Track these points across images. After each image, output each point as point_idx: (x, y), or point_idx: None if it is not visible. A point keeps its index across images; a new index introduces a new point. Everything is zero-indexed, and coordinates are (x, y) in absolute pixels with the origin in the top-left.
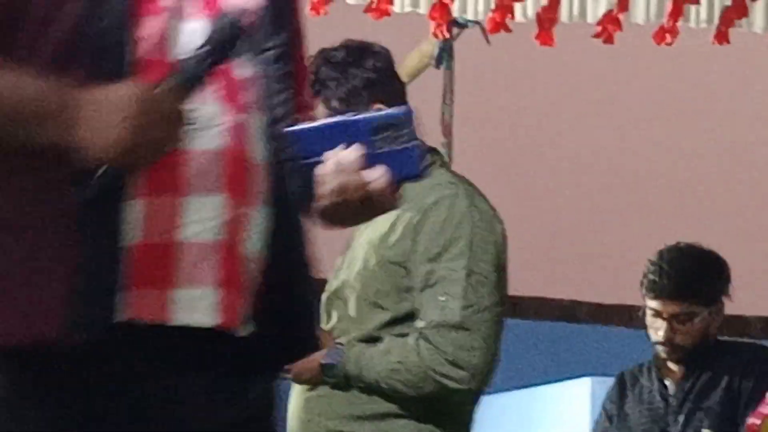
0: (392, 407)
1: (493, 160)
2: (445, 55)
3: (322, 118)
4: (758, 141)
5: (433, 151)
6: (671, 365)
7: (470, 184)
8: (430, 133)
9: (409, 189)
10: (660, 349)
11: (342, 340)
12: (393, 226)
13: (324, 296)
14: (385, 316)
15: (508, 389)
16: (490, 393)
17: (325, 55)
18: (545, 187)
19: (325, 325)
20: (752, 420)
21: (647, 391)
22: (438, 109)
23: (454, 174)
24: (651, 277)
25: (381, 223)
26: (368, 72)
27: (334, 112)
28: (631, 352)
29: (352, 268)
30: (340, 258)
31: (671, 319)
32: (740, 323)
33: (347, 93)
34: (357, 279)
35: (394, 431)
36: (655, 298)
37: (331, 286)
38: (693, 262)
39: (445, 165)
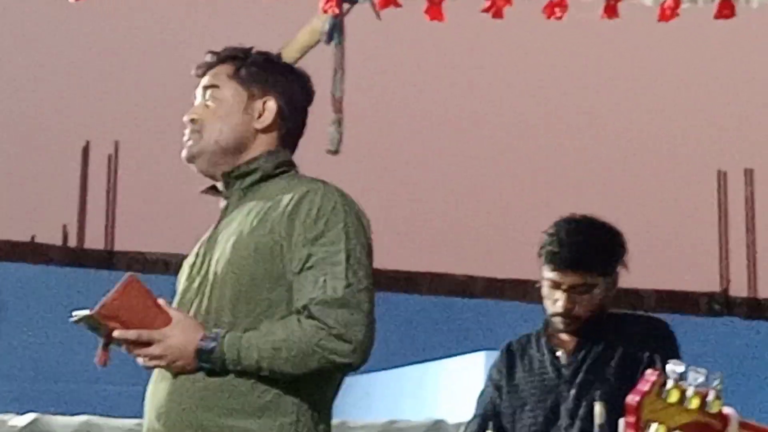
0: (272, 398)
1: (384, 136)
2: (335, 31)
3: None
4: (653, 111)
5: (290, 162)
6: (564, 336)
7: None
8: (321, 111)
9: (272, 189)
10: (557, 320)
11: (210, 327)
12: (263, 219)
13: (184, 286)
14: (260, 304)
15: (403, 364)
16: (386, 368)
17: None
18: (436, 161)
19: (190, 313)
20: (631, 397)
21: (537, 362)
22: (329, 85)
23: (314, 178)
24: (550, 248)
25: (246, 219)
26: None
27: (234, 78)
28: (526, 326)
29: (217, 262)
30: (191, 258)
31: (570, 290)
32: (635, 297)
33: (260, 77)
34: (228, 268)
35: (269, 428)
36: (555, 269)
37: (187, 286)
38: (591, 233)
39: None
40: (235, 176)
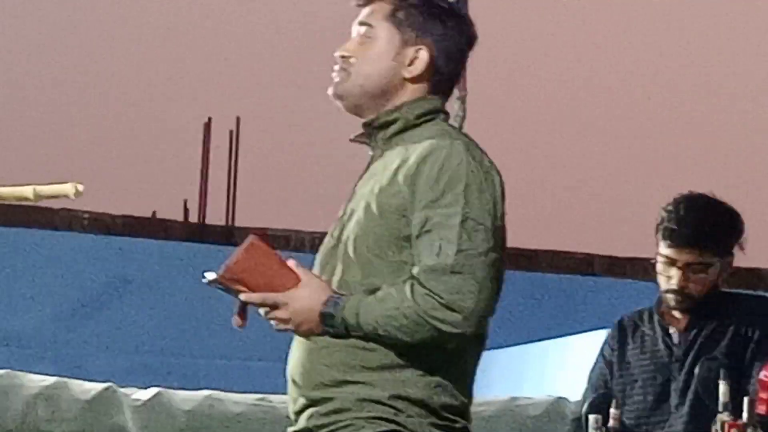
0: (395, 358)
1: (506, 114)
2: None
3: None
4: None
5: (436, 108)
6: (676, 314)
7: (468, 137)
8: None
9: (410, 139)
10: (670, 297)
11: (342, 290)
12: (394, 176)
13: (323, 248)
14: (385, 266)
15: (524, 342)
16: (506, 346)
17: None
18: (556, 140)
19: (324, 276)
20: (765, 373)
21: (650, 339)
22: None
23: (453, 127)
24: (667, 225)
25: (382, 174)
26: None
27: (390, 19)
28: (646, 304)
29: (350, 218)
30: (341, 210)
31: (685, 268)
32: (756, 276)
33: (417, 22)
34: (356, 229)
35: (399, 380)
36: (671, 246)
37: (330, 237)
38: (710, 212)
39: (446, 120)
40: (376, 126)
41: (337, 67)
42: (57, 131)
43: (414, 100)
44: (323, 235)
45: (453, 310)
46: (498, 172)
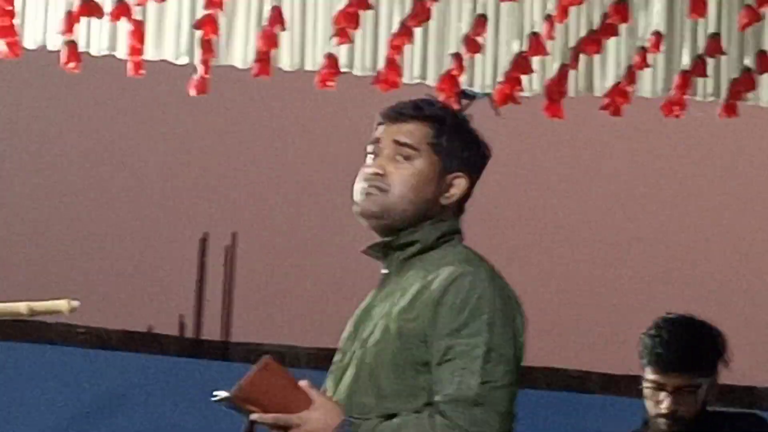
0: None
1: (498, 231)
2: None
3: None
4: (760, 215)
5: (455, 230)
6: None
7: (489, 263)
8: None
9: (431, 262)
10: (661, 422)
11: (355, 413)
12: (414, 300)
13: (335, 368)
14: (401, 390)
15: None
16: None
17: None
18: (555, 258)
19: (336, 398)
20: None
21: None
22: None
23: (474, 252)
24: (653, 350)
25: (398, 297)
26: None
27: (432, 145)
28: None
29: (366, 340)
30: (348, 328)
31: (675, 392)
32: (750, 394)
33: (457, 150)
34: (373, 351)
35: None
36: (659, 371)
37: (342, 357)
38: (695, 334)
39: (462, 240)
40: (393, 247)
41: (365, 184)
42: (52, 246)
43: (434, 222)
44: (319, 351)
45: None
46: (519, 302)
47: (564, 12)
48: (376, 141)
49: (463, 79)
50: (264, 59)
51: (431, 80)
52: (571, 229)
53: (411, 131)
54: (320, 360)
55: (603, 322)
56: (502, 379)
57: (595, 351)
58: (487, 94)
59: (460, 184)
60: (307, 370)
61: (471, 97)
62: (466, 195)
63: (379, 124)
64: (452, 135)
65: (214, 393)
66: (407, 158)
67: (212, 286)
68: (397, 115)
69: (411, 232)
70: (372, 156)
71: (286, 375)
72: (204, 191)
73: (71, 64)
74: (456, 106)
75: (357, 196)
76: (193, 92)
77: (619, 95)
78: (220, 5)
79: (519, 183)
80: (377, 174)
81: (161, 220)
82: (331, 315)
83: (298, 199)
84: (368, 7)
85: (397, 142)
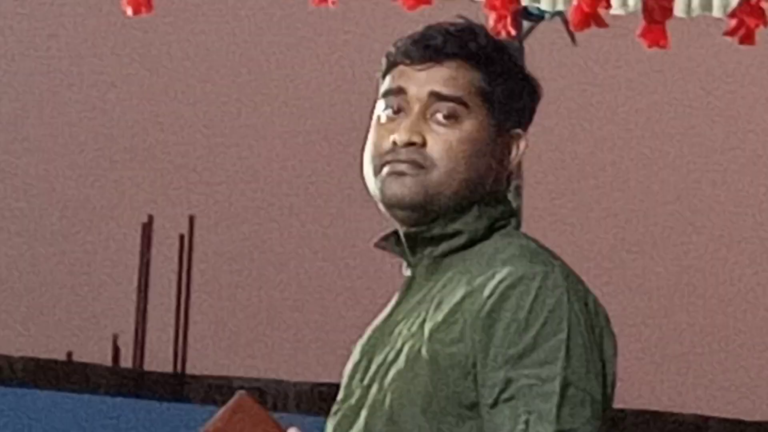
0: None
1: (570, 202)
2: None
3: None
4: None
5: (510, 211)
6: None
7: (561, 261)
8: None
9: (478, 257)
10: None
11: None
12: (454, 313)
13: (339, 410)
14: None
15: None
16: None
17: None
18: (657, 258)
19: None
20: None
21: None
22: None
23: (540, 245)
24: None
25: (431, 309)
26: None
27: (483, 96)
28: None
29: (384, 371)
30: (356, 354)
31: None
32: None
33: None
34: (397, 385)
35: None
36: None
37: (349, 394)
38: None
39: (519, 226)
40: (425, 239)
41: (393, 160)
42: None
43: (485, 203)
44: (314, 387)
45: None
46: (606, 317)
47: None
48: (399, 91)
49: None
50: None
51: None
52: (683, 221)
53: (454, 77)
54: (316, 400)
55: (724, 355)
56: (585, 428)
57: (712, 391)
58: (559, 13)
59: (519, 146)
60: (297, 414)
61: (536, 17)
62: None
63: (397, 64)
64: (506, 77)
65: None
66: (453, 117)
67: (160, 294)
68: (429, 51)
69: (452, 218)
70: (391, 114)
71: (267, 418)
72: (148, 162)
73: None
74: (513, 31)
75: (381, 178)
76: (129, 11)
77: (751, 14)
78: None
79: (604, 145)
80: (412, 144)
81: (89, 200)
82: (331, 336)
83: (279, 173)
84: None
85: (437, 95)
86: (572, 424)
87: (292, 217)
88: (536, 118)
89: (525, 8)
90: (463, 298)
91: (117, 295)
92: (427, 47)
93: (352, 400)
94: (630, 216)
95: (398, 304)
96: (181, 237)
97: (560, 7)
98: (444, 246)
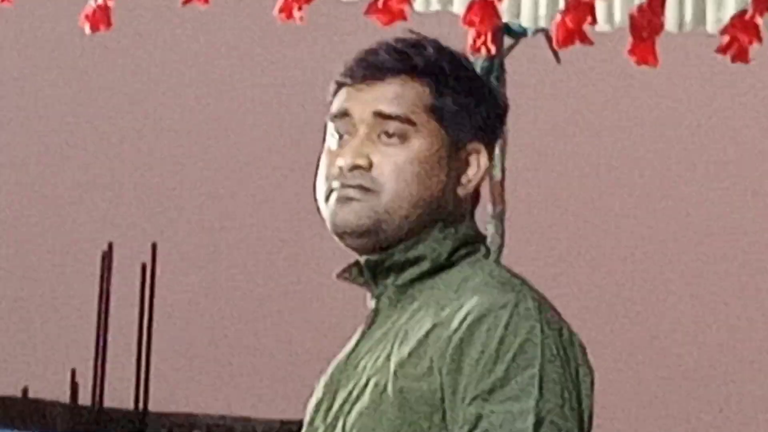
0: None
1: (555, 226)
2: (491, 77)
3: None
4: None
5: (476, 236)
6: None
7: (533, 289)
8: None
9: (444, 287)
10: None
11: None
12: (421, 343)
13: None
14: None
15: None
16: None
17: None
18: (642, 290)
19: None
20: None
21: None
22: None
23: (510, 271)
24: None
25: (397, 342)
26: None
27: (434, 112)
28: None
29: (348, 408)
30: (319, 390)
31: None
32: None
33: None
34: (359, 425)
35: None
36: None
37: None
38: None
39: (488, 254)
40: (386, 268)
41: (339, 185)
42: None
43: (446, 226)
44: (282, 426)
45: None
46: (583, 349)
47: None
48: (344, 114)
49: (505, 6)
50: None
51: (457, 7)
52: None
53: (399, 95)
54: None
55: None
56: None
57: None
58: (542, 30)
59: (479, 161)
60: None
61: (518, 34)
62: (482, 178)
63: (342, 85)
64: (459, 90)
65: None
66: (400, 136)
67: (121, 327)
68: (371, 70)
69: (412, 243)
70: (338, 138)
71: None
72: (107, 186)
73: None
74: (493, 48)
75: (330, 205)
76: (87, 28)
77: (743, 29)
78: None
79: (587, 165)
80: (358, 167)
81: (44, 226)
82: (301, 371)
83: (246, 199)
84: None
85: (381, 114)
86: None
87: (260, 246)
88: (519, 137)
89: (506, 25)
90: (429, 331)
91: (75, 327)
92: (369, 65)
93: None
94: (618, 233)
95: (362, 337)
96: (143, 266)
97: (543, 23)
98: (407, 274)
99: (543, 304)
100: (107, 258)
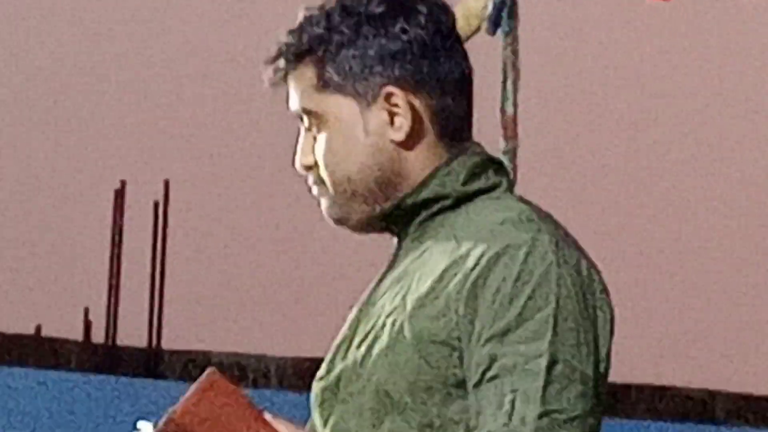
0: None
1: (568, 165)
2: (503, 14)
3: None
4: None
5: (495, 165)
6: None
7: (554, 222)
8: (485, 135)
9: (463, 224)
10: None
11: None
12: (437, 282)
13: (318, 387)
14: (420, 425)
15: None
16: None
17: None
18: (663, 221)
19: None
20: None
21: None
22: (495, 97)
23: (532, 206)
24: None
25: (415, 280)
26: (394, 37)
27: (326, 87)
28: None
29: (367, 346)
30: (345, 328)
31: None
32: None
33: (357, 65)
34: (377, 363)
35: None
36: None
37: (330, 371)
38: None
39: (512, 188)
40: (403, 210)
41: (311, 184)
42: None
43: (451, 158)
44: (298, 362)
45: None
46: (604, 288)
47: None
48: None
49: None
50: None
51: None
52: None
53: (296, 88)
54: (300, 377)
55: (732, 329)
56: (574, 408)
57: (719, 366)
58: None
59: (399, 102)
60: (280, 391)
61: None
62: (447, 102)
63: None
64: (339, 49)
65: (137, 425)
66: (317, 126)
67: (134, 265)
68: (278, 72)
69: (421, 186)
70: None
71: (241, 398)
72: (120, 123)
73: None
74: None
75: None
76: None
77: None
78: None
79: (600, 101)
80: (307, 168)
81: (56, 165)
82: (315, 310)
83: (261, 134)
84: None
85: (298, 115)
86: (560, 404)
87: (274, 185)
88: (533, 71)
89: None
90: (446, 269)
91: (88, 266)
92: (276, 68)
93: (331, 376)
94: (638, 182)
95: (384, 276)
96: (156, 203)
97: None
98: (424, 213)
99: (561, 242)
100: (120, 196)
